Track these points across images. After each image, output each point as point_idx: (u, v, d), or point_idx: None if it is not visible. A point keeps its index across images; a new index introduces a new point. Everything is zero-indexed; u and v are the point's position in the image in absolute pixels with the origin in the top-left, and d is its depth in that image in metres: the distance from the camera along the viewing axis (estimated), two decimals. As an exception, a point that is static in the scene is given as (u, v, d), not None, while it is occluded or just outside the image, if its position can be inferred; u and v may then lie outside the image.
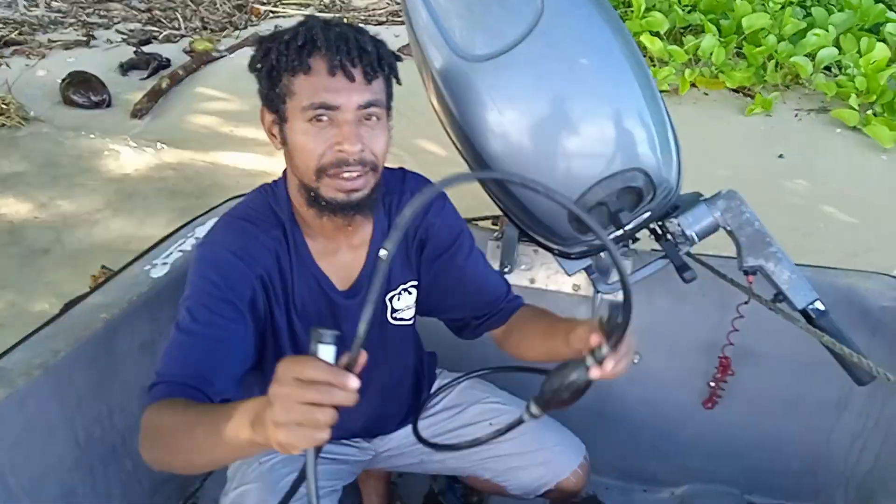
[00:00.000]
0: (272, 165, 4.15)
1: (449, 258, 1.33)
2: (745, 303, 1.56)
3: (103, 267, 2.95)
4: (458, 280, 1.35)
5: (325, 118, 1.05)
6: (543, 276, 1.78)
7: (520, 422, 1.02)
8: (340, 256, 1.22)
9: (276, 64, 1.05)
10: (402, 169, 1.32)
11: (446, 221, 1.33)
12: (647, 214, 1.45)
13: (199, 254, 1.15)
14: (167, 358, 1.07)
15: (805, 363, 1.71)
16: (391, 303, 1.32)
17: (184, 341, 1.08)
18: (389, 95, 1.13)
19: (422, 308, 1.38)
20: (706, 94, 4.73)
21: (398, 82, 1.16)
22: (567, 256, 1.54)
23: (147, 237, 1.66)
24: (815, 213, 3.66)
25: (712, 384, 1.74)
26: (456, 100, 1.35)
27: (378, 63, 1.07)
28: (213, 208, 1.81)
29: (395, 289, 1.32)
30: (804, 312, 1.47)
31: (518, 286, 1.81)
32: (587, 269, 1.62)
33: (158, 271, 1.59)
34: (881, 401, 1.66)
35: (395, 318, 1.34)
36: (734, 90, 4.72)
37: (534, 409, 1.01)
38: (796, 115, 4.47)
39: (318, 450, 0.79)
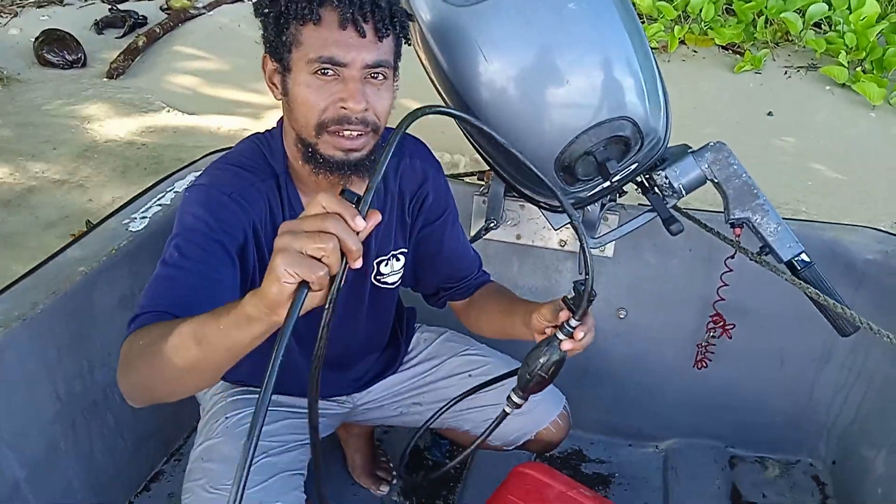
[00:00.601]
0: (255, 127, 4.08)
1: (432, 231, 1.34)
2: (732, 256, 1.56)
3: (88, 222, 2.92)
4: (437, 253, 1.36)
5: (330, 73, 1.01)
6: (530, 232, 1.77)
7: (504, 415, 1.14)
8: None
9: (286, 10, 1.00)
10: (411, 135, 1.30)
11: (439, 194, 1.33)
12: (634, 166, 1.43)
13: (191, 194, 1.11)
14: (151, 291, 1.02)
15: (790, 317, 1.71)
16: (378, 266, 1.30)
17: (170, 275, 1.03)
18: (398, 55, 1.09)
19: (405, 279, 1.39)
20: (695, 51, 4.70)
21: (407, 42, 1.12)
22: (554, 210, 1.53)
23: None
24: (804, 170, 3.66)
25: (702, 344, 1.74)
26: (443, 47, 1.31)
27: (390, 20, 1.03)
28: (192, 162, 1.78)
29: (386, 254, 1.31)
30: (789, 264, 1.47)
31: (504, 242, 1.80)
32: (573, 224, 1.60)
33: (137, 225, 1.56)
34: (863, 353, 1.67)
35: (378, 281, 1.32)
36: (723, 47, 4.69)
37: (516, 398, 1.12)
38: (786, 73, 4.45)
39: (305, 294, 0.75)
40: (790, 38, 4.67)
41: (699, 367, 1.76)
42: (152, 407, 1.65)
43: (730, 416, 1.85)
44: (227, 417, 1.27)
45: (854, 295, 1.59)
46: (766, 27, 4.62)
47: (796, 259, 1.46)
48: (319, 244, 0.73)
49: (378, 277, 1.32)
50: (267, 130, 1.20)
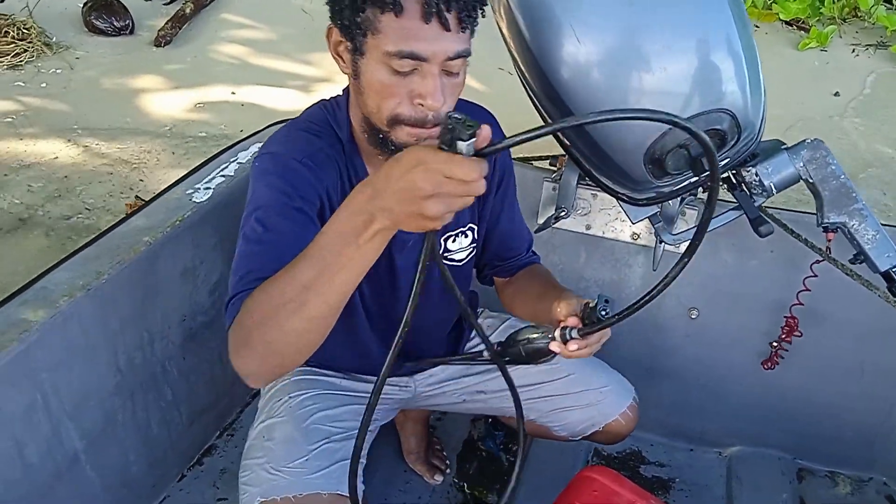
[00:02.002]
0: (306, 101, 4.02)
1: (493, 207, 1.29)
2: (818, 261, 1.47)
3: (137, 198, 2.92)
4: (491, 229, 1.32)
5: (408, 66, 0.96)
6: (601, 223, 1.69)
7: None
8: None
9: None
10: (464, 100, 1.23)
11: (505, 170, 1.28)
12: (725, 161, 1.35)
13: (262, 164, 1.06)
14: (241, 269, 0.97)
15: (873, 329, 1.63)
16: (445, 243, 1.26)
17: (256, 251, 0.98)
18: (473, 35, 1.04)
19: None
20: (757, 26, 4.50)
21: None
22: (634, 203, 1.45)
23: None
24: (872, 156, 3.50)
25: (775, 343, 1.66)
26: (528, 19, 1.24)
27: (474, 9, 0.96)
28: (255, 133, 1.74)
29: (454, 230, 1.25)
30: (886, 275, 1.37)
31: (573, 232, 1.73)
32: (651, 218, 1.52)
33: (201, 195, 1.52)
34: (954, 372, 1.58)
35: (445, 258, 1.27)
36: (788, 23, 4.50)
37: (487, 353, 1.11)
38: (853, 51, 4.24)
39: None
40: (859, 14, 4.46)
41: (767, 366, 1.69)
42: (207, 381, 1.66)
43: (799, 428, 1.76)
44: (290, 397, 1.24)
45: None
46: (833, 2, 4.41)
47: (894, 270, 1.36)
48: (461, 202, 0.72)
49: (446, 255, 1.27)
50: (333, 98, 1.15)
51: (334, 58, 1.04)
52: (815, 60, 4.22)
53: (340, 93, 1.15)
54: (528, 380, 1.39)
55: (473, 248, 1.29)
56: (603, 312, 1.01)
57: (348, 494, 0.96)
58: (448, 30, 0.94)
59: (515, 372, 1.39)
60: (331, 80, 4.05)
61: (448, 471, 1.73)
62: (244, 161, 1.66)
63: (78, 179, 3.17)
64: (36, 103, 3.78)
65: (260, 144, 1.71)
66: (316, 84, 4.13)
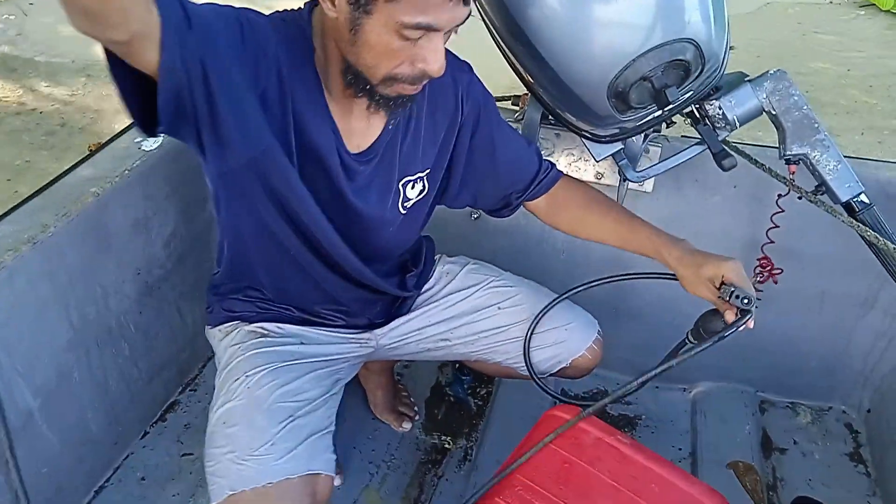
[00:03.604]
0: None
1: (480, 140, 1.24)
2: (783, 195, 1.47)
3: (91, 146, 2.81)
4: (492, 163, 1.27)
5: (418, 35, 0.91)
6: (565, 163, 1.67)
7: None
8: (356, 119, 1.08)
9: None
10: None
11: (475, 99, 1.22)
12: (688, 94, 1.32)
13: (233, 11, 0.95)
14: None
15: (835, 259, 1.64)
16: (404, 189, 1.20)
17: None
18: None
19: (459, 199, 1.31)
20: None
21: None
22: (597, 140, 1.43)
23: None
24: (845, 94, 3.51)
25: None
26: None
27: None
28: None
29: (413, 175, 1.20)
30: (847, 205, 1.38)
31: (537, 173, 1.70)
32: (615, 156, 1.50)
33: (150, 143, 1.46)
34: (912, 300, 1.61)
35: (404, 207, 1.22)
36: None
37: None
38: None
39: None
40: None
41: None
42: (167, 335, 1.62)
43: (762, 360, 1.79)
44: (247, 376, 1.15)
45: (908, 239, 1.51)
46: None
47: (855, 200, 1.37)
48: None
49: (404, 203, 1.22)
50: (288, 11, 1.03)
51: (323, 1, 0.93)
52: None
53: (297, 8, 1.03)
54: (493, 323, 1.37)
55: (422, 193, 1.23)
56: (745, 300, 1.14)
57: (319, 471, 0.94)
58: (466, 4, 0.90)
59: (479, 317, 1.39)
60: None
61: (417, 417, 1.73)
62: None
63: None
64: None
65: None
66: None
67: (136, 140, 1.46)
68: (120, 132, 1.49)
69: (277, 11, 1.03)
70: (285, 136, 1.02)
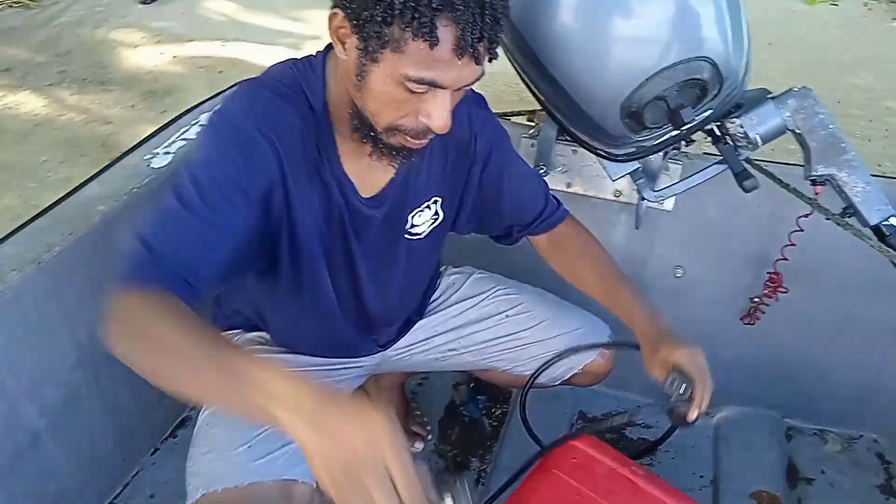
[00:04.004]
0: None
1: (489, 175, 1.22)
2: (806, 216, 1.41)
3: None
4: (498, 196, 1.25)
5: (423, 89, 0.88)
6: (582, 181, 1.63)
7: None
8: (366, 162, 1.04)
9: (398, 13, 0.82)
10: None
11: (487, 133, 1.19)
12: (707, 112, 1.28)
13: (219, 120, 0.97)
14: (158, 225, 0.90)
15: (863, 284, 1.57)
16: (411, 219, 1.18)
17: (180, 215, 0.90)
18: None
19: (467, 227, 1.29)
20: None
21: None
22: (613, 158, 1.38)
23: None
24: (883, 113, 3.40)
25: (756, 299, 1.61)
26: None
27: (500, 34, 0.88)
28: (219, 93, 1.66)
29: (419, 206, 1.18)
30: (876, 229, 1.31)
31: (554, 190, 1.65)
32: (632, 174, 1.46)
33: (160, 161, 1.45)
34: (947, 326, 1.53)
35: (410, 234, 1.20)
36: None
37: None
38: (866, 5, 4.11)
39: None
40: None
41: (747, 321, 1.64)
42: (179, 352, 1.61)
43: (789, 386, 1.72)
44: None
45: (943, 263, 1.43)
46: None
47: (884, 223, 1.30)
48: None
49: (411, 230, 1.19)
50: (305, 58, 1.03)
51: (333, 41, 0.92)
52: (825, 14, 4.08)
53: (314, 54, 1.04)
54: (501, 330, 1.36)
55: (436, 219, 1.21)
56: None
57: (296, 478, 0.92)
58: (478, 63, 0.87)
59: (487, 325, 1.37)
60: (321, 37, 3.94)
61: (430, 437, 1.70)
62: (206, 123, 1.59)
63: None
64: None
65: (233, 89, 1.64)
66: (305, 42, 4.02)
67: (145, 157, 1.46)
68: (129, 150, 1.48)
69: (282, 85, 1.00)
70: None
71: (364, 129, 0.97)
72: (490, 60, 0.89)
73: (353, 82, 0.92)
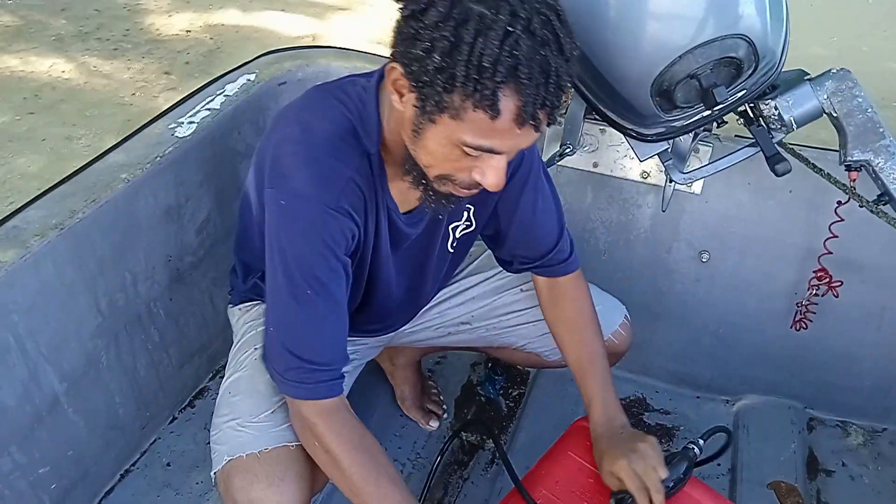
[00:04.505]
0: (322, 29, 3.90)
1: (505, 200, 1.18)
2: (843, 203, 1.37)
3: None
4: (513, 210, 1.19)
5: (478, 154, 0.87)
6: (609, 160, 1.60)
7: None
8: (402, 181, 1.03)
9: (461, 84, 0.80)
10: None
11: (528, 159, 1.15)
12: (741, 93, 1.24)
13: (289, 209, 0.96)
14: (303, 339, 0.98)
15: (894, 273, 1.53)
16: (453, 232, 1.18)
17: (309, 314, 0.97)
18: None
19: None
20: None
21: None
22: (642, 138, 1.35)
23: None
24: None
25: (804, 302, 1.56)
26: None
27: (562, 101, 0.86)
28: (243, 64, 1.65)
29: (459, 219, 1.18)
30: (913, 217, 1.27)
31: (580, 170, 1.64)
32: (660, 155, 1.43)
33: (185, 130, 1.45)
34: (979, 320, 1.49)
35: (453, 247, 1.22)
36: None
37: None
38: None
39: None
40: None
41: (797, 328, 1.59)
42: (198, 322, 1.61)
43: (813, 376, 1.69)
44: (255, 349, 1.16)
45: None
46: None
47: (922, 211, 1.26)
48: None
49: (454, 244, 1.21)
50: (358, 90, 0.99)
51: (388, 88, 0.90)
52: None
53: (371, 77, 1.00)
54: (514, 307, 1.35)
55: (468, 226, 1.20)
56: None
57: None
58: (538, 130, 0.85)
59: (501, 299, 1.35)
60: (348, 9, 3.91)
61: (445, 416, 1.69)
62: (231, 94, 1.58)
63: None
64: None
65: (249, 77, 1.63)
66: (330, 13, 3.99)
67: (169, 126, 1.45)
68: (154, 118, 1.48)
69: (344, 102, 0.99)
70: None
71: (416, 175, 0.96)
72: (549, 125, 0.87)
73: (408, 133, 0.91)
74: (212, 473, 1.06)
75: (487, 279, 1.38)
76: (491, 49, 0.78)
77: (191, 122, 1.47)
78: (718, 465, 1.60)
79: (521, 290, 1.36)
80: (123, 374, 1.43)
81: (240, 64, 1.66)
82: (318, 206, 0.95)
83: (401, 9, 0.84)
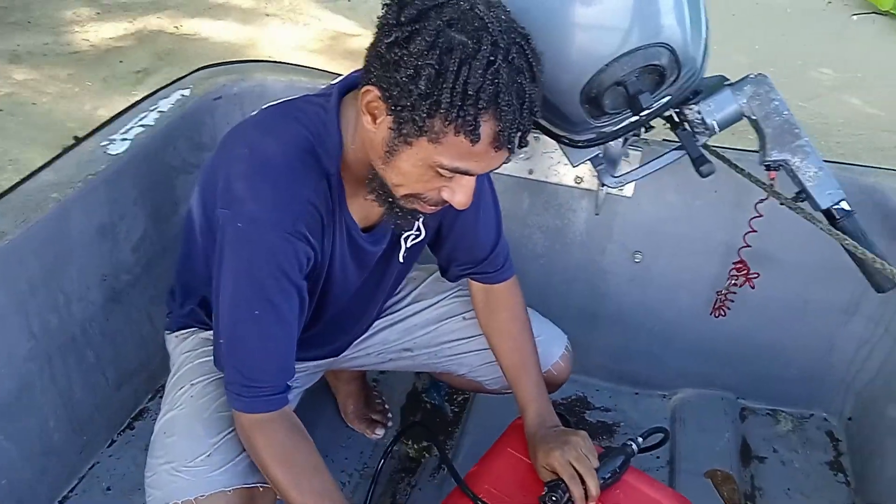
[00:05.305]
0: (257, 35, 3.86)
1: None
2: (762, 200, 1.44)
3: (75, 138, 2.77)
4: (454, 219, 1.21)
5: (452, 174, 0.90)
6: (543, 167, 1.64)
7: None
8: (363, 199, 1.03)
9: (444, 111, 0.81)
10: None
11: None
12: (666, 99, 1.29)
13: (244, 232, 0.94)
14: (244, 353, 0.98)
15: (816, 266, 1.62)
16: (405, 243, 1.18)
17: (256, 333, 0.97)
18: None
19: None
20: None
21: None
22: (574, 145, 1.39)
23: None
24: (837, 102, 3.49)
25: (724, 291, 1.63)
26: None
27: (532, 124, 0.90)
28: (179, 79, 1.63)
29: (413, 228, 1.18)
30: (827, 213, 1.35)
31: (516, 177, 1.68)
32: (592, 161, 1.47)
33: (117, 147, 1.42)
34: (894, 307, 1.58)
35: (402, 258, 1.21)
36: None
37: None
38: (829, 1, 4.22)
39: None
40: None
41: (717, 314, 1.66)
42: (136, 341, 1.58)
43: (744, 368, 1.77)
44: (191, 385, 1.13)
45: (890, 246, 1.48)
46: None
47: (835, 207, 1.34)
48: None
49: (404, 255, 1.20)
50: (318, 108, 0.98)
51: (361, 110, 0.90)
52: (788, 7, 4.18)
53: (328, 97, 0.98)
54: (457, 335, 1.35)
55: (418, 236, 1.20)
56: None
57: (256, 484, 0.96)
58: (511, 152, 0.89)
59: (444, 326, 1.36)
60: (286, 18, 3.88)
61: (390, 424, 1.70)
62: (165, 109, 1.56)
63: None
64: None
65: (184, 93, 1.61)
66: (273, 20, 3.94)
67: (101, 144, 1.42)
68: (86, 135, 1.45)
69: (303, 120, 0.97)
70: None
71: (381, 194, 0.97)
72: (520, 147, 0.90)
73: (378, 154, 0.92)
74: None
75: (430, 306, 1.38)
76: (475, 78, 0.80)
77: (124, 140, 1.45)
78: (658, 457, 1.65)
79: (464, 319, 1.35)
80: (58, 397, 1.39)
81: (175, 79, 1.64)
82: (275, 230, 0.93)
83: (382, 35, 0.85)
